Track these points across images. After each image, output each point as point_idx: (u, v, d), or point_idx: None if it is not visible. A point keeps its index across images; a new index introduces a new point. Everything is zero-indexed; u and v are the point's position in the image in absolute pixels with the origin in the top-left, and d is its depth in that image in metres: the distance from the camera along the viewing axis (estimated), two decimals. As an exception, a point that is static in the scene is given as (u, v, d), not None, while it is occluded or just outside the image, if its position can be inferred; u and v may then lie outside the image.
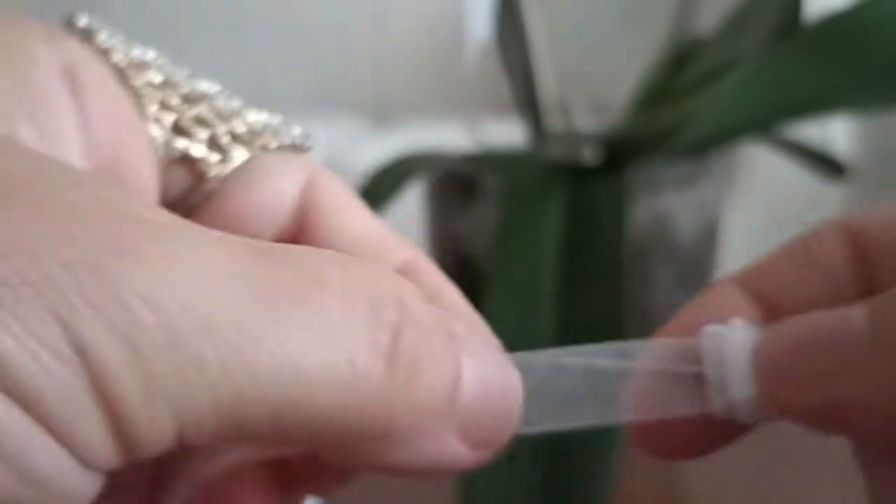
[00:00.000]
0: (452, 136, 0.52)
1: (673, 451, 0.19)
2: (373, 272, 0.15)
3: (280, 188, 0.19)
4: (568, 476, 0.36)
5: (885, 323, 0.15)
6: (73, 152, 0.17)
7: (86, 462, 0.12)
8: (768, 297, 0.18)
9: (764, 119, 0.43)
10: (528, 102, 0.51)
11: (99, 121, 0.17)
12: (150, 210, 0.14)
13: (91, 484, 0.13)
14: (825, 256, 0.18)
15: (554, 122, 0.50)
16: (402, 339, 0.15)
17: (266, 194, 0.19)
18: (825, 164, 0.46)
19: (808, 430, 0.16)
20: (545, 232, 0.40)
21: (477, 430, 0.16)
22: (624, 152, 0.45)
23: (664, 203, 0.44)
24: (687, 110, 0.45)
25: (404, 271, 0.19)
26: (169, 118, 0.19)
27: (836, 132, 0.64)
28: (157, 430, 0.13)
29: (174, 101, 0.19)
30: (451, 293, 0.20)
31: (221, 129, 0.19)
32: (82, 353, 0.12)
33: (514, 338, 0.42)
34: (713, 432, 0.18)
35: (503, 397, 0.16)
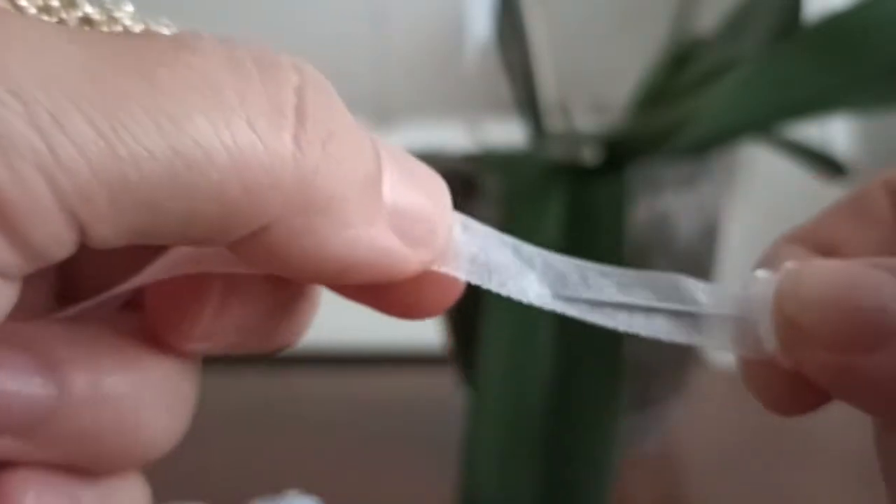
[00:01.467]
0: (452, 136, 0.52)
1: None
2: (254, 46, 0.14)
3: None
4: (568, 476, 0.36)
5: None
6: None
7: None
8: (829, 251, 0.18)
9: (764, 119, 0.43)
10: (528, 102, 0.51)
11: None
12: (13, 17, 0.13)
13: (9, 289, 0.13)
14: (878, 208, 0.18)
15: (554, 122, 0.50)
16: (306, 99, 0.14)
17: None
18: (825, 164, 0.46)
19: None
20: (545, 232, 0.40)
21: (408, 225, 0.15)
22: (624, 152, 0.45)
23: (664, 203, 0.44)
24: (687, 110, 0.45)
25: None
26: (52, 21, 0.16)
27: (836, 132, 0.64)
28: (38, 206, 0.12)
29: (55, 3, 0.17)
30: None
31: (112, 29, 0.17)
32: None
33: (514, 338, 0.42)
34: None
35: (431, 196, 0.16)
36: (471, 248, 0.17)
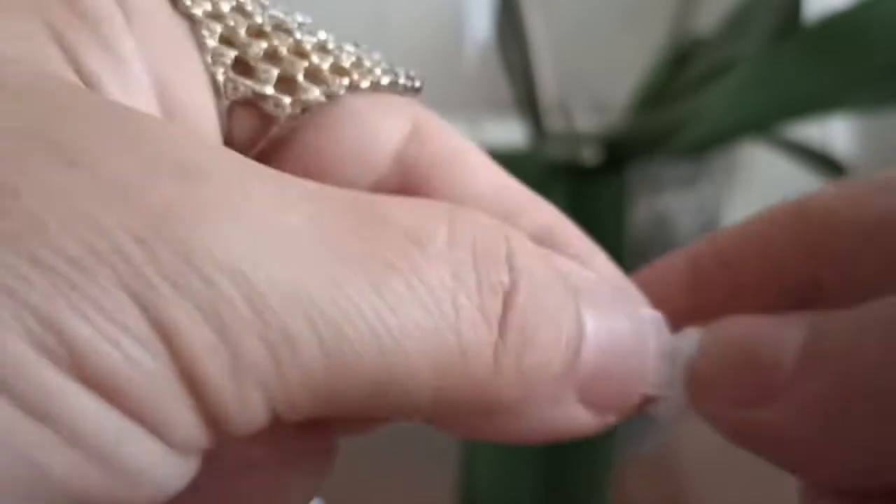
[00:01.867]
0: (452, 136, 0.52)
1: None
2: (479, 223, 0.13)
3: (374, 135, 0.16)
4: (568, 476, 0.36)
5: (816, 351, 0.14)
6: (144, 86, 0.14)
7: (177, 448, 0.11)
8: (708, 282, 0.17)
9: (764, 119, 0.43)
10: (528, 102, 0.51)
11: (151, 50, 0.14)
12: (230, 162, 0.12)
13: (185, 467, 0.12)
14: (772, 239, 0.17)
15: (554, 122, 0.50)
16: (514, 305, 0.13)
17: (356, 143, 0.16)
18: (825, 164, 0.46)
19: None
20: (545, 232, 0.40)
21: (601, 394, 0.14)
22: (624, 152, 0.45)
23: (664, 203, 0.44)
24: (687, 110, 0.45)
25: (541, 237, 0.17)
26: (232, 54, 0.15)
27: (836, 132, 0.64)
28: (248, 411, 0.11)
29: (241, 32, 0.15)
30: (600, 260, 0.18)
31: (297, 66, 0.16)
32: (165, 335, 0.11)
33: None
34: None
35: (629, 355, 0.15)
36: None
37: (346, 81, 0.16)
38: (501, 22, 0.52)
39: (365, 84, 0.16)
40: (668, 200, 0.44)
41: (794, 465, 0.15)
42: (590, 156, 0.45)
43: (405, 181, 0.17)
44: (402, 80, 0.17)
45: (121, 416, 0.11)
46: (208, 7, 0.15)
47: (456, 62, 0.69)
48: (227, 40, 0.15)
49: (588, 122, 0.51)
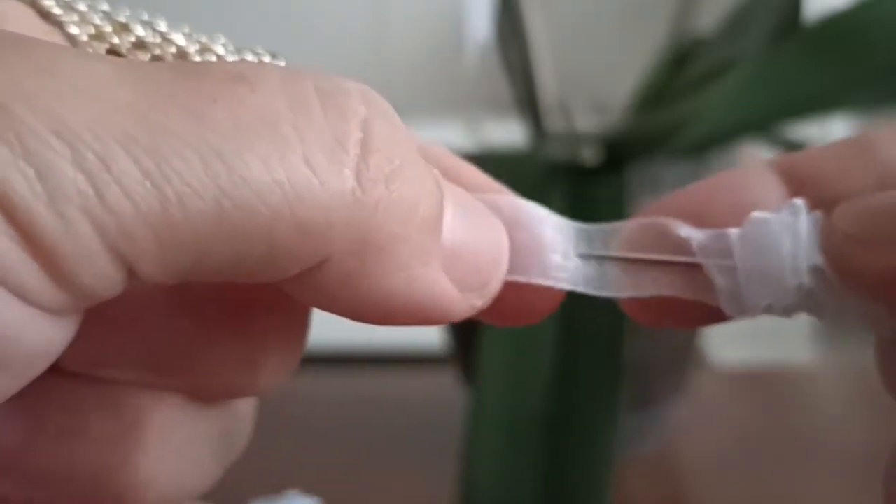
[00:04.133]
0: (452, 136, 0.52)
1: (668, 321, 0.18)
2: (320, 72, 0.14)
3: None
4: (568, 476, 0.36)
5: None
6: None
7: (29, 300, 0.12)
8: (811, 185, 0.17)
9: (764, 119, 0.43)
10: (528, 102, 0.51)
11: None
12: (41, 40, 0.13)
13: (58, 329, 0.12)
14: (886, 147, 0.17)
15: (554, 122, 0.50)
16: (374, 131, 0.13)
17: None
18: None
19: (872, 301, 0.15)
20: (545, 232, 0.40)
21: (463, 270, 0.15)
22: (624, 152, 0.45)
23: (664, 203, 0.44)
24: (687, 110, 0.45)
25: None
26: (102, 46, 0.16)
27: (836, 132, 0.64)
28: (84, 249, 0.12)
29: (107, 29, 0.16)
30: (467, 169, 0.18)
31: (165, 51, 0.16)
32: None
33: (514, 338, 0.42)
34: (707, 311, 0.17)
35: (488, 241, 0.15)
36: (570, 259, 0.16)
37: (213, 59, 0.17)
38: (501, 22, 0.52)
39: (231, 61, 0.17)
40: (668, 200, 0.44)
41: None
42: (590, 156, 0.45)
43: None
44: (266, 60, 0.17)
45: None
46: (76, 17, 0.16)
47: (456, 62, 0.69)
48: (96, 37, 0.16)
49: (588, 122, 0.51)
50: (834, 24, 0.41)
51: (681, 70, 0.51)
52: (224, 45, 0.17)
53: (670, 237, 0.17)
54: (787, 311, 0.16)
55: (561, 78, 0.50)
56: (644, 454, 0.49)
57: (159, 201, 0.12)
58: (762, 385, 0.56)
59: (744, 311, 0.16)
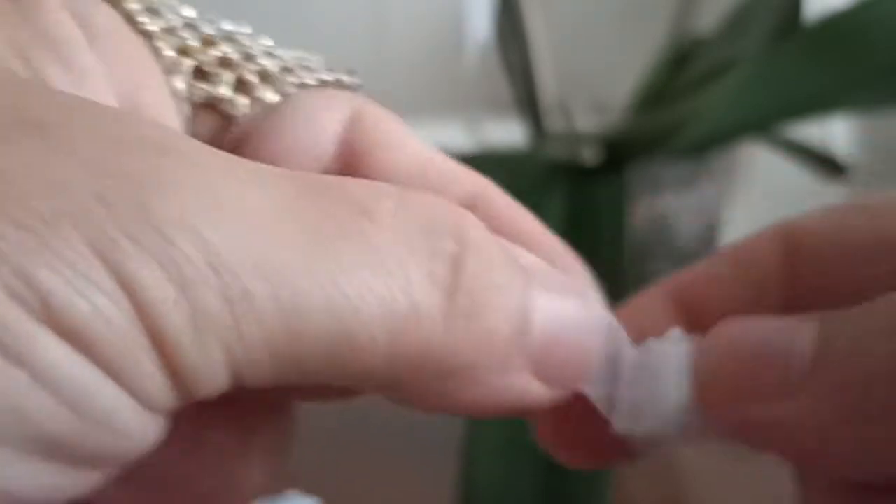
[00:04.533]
0: (452, 136, 0.52)
1: (577, 458, 0.18)
2: (427, 201, 0.14)
3: (319, 126, 0.18)
4: (568, 477, 0.36)
5: (831, 346, 0.14)
6: (103, 94, 0.16)
7: (143, 402, 0.12)
8: (694, 305, 0.18)
9: (764, 119, 0.43)
10: (528, 102, 0.51)
11: (115, 64, 0.16)
12: (189, 143, 0.13)
13: (153, 425, 0.13)
14: (756, 263, 0.17)
15: (554, 122, 0.50)
16: (463, 270, 0.14)
17: (303, 134, 0.17)
18: (825, 163, 0.46)
19: (740, 446, 0.16)
20: (545, 232, 0.40)
21: (552, 367, 0.15)
22: (624, 152, 0.45)
23: (664, 203, 0.44)
24: (687, 110, 0.45)
25: (470, 203, 0.18)
26: (189, 63, 0.17)
27: (836, 132, 0.64)
28: (210, 369, 0.12)
29: (194, 44, 0.17)
30: (528, 222, 0.18)
31: (249, 69, 0.17)
32: (128, 288, 0.11)
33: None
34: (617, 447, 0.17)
35: (579, 332, 0.15)
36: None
37: (294, 80, 0.18)
38: (501, 22, 0.53)
39: (311, 82, 0.18)
40: (668, 200, 0.44)
41: (804, 456, 0.15)
42: (590, 156, 0.45)
43: (346, 164, 0.18)
44: (344, 78, 0.19)
45: (90, 364, 0.11)
46: (163, 24, 0.17)
47: (456, 62, 0.69)
48: (182, 51, 0.17)
49: (588, 122, 0.51)
50: (834, 24, 0.41)
51: (681, 70, 0.51)
52: (305, 67, 0.18)
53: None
54: (666, 440, 0.16)
55: (561, 78, 0.50)
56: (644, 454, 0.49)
57: (285, 333, 0.12)
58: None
59: (630, 429, 0.16)
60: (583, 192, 0.42)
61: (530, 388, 0.15)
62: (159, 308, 0.12)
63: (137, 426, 0.12)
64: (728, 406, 0.15)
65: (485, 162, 0.49)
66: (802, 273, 0.17)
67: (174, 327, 0.12)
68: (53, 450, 0.12)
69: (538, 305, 0.15)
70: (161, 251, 0.11)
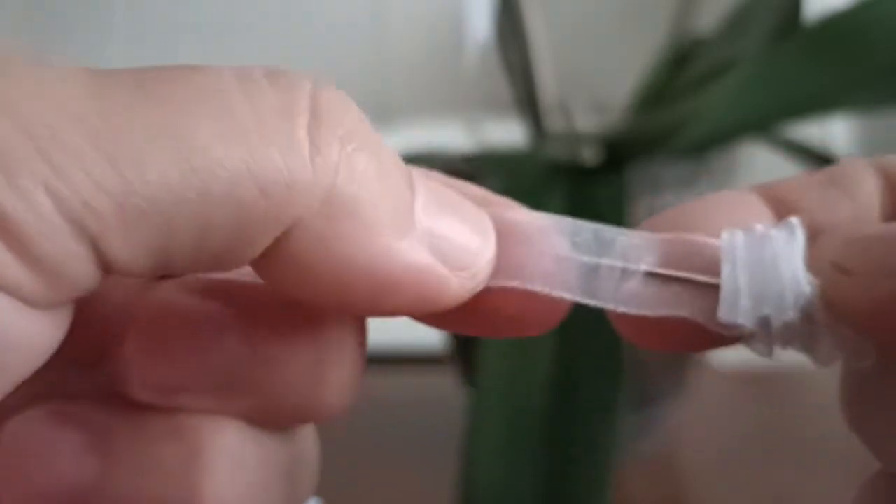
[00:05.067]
0: (452, 136, 0.52)
1: (663, 344, 0.17)
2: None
3: None
4: (568, 476, 0.36)
5: None
6: None
7: (18, 296, 0.12)
8: (788, 210, 0.17)
9: (764, 119, 0.43)
10: (528, 102, 0.51)
11: None
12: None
13: (46, 324, 0.13)
14: (859, 184, 0.17)
15: (554, 122, 0.50)
16: (322, 103, 0.14)
17: None
18: (825, 164, 0.46)
19: (861, 336, 0.15)
20: (545, 232, 0.40)
21: (446, 247, 0.15)
22: (624, 152, 0.45)
23: (664, 203, 0.44)
24: (687, 110, 0.45)
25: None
26: None
27: (836, 132, 0.64)
28: (62, 241, 0.12)
29: None
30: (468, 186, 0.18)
31: None
32: None
33: (514, 338, 0.42)
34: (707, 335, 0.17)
35: (468, 221, 0.15)
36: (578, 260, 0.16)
37: None
38: (501, 22, 0.52)
39: None
40: (668, 200, 0.44)
41: None
42: (590, 156, 0.45)
43: None
44: None
45: None
46: None
47: (456, 62, 0.69)
48: None
49: (588, 122, 0.51)
50: (834, 24, 0.41)
51: (681, 70, 0.51)
52: None
53: (700, 254, 0.16)
54: (778, 335, 0.16)
55: (561, 78, 0.50)
56: (644, 454, 0.50)
57: (113, 169, 0.12)
58: (762, 385, 0.56)
59: (738, 319, 0.16)
60: (583, 192, 0.42)
61: (429, 261, 0.15)
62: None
63: (31, 330, 0.12)
64: (862, 286, 0.15)
65: (485, 162, 0.49)
66: None
67: (18, 217, 0.12)
68: None
69: (420, 189, 0.15)
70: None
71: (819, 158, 0.46)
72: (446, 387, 0.52)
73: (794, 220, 0.16)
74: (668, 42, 0.53)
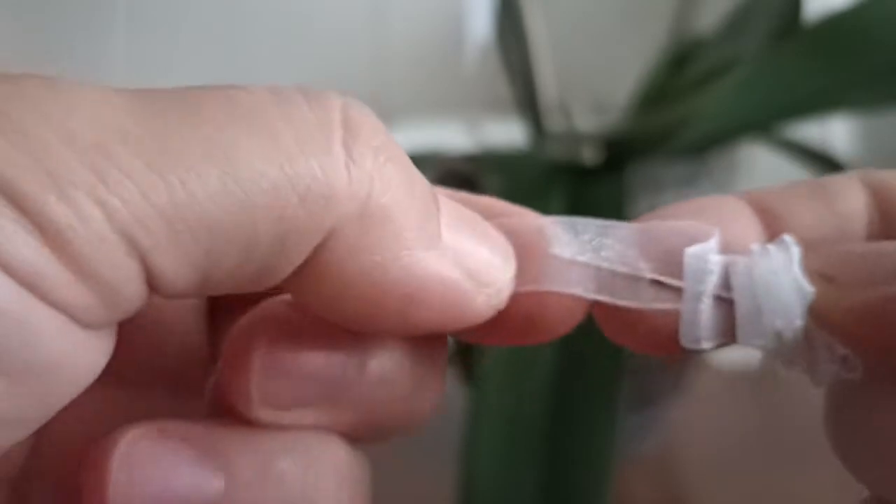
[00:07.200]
0: (452, 136, 0.52)
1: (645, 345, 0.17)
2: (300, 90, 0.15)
3: None
4: (568, 476, 0.36)
5: None
6: None
7: (79, 321, 0.12)
8: (775, 219, 0.17)
9: (764, 119, 0.43)
10: (528, 102, 0.51)
11: None
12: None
13: (95, 347, 0.13)
14: (844, 198, 0.17)
15: (554, 122, 0.50)
16: (354, 119, 0.14)
17: None
18: (825, 163, 0.46)
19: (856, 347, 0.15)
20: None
21: (471, 263, 0.15)
22: (624, 152, 0.45)
23: (664, 203, 0.44)
24: (687, 110, 0.45)
25: None
26: None
27: (836, 132, 0.64)
28: (111, 254, 0.12)
29: None
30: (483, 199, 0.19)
31: None
32: (18, 202, 0.12)
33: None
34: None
35: (490, 242, 0.16)
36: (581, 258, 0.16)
37: None
38: (501, 22, 0.52)
39: None
40: (668, 200, 0.44)
41: None
42: (590, 156, 0.45)
43: None
44: None
45: (24, 292, 0.12)
46: None
47: (456, 62, 0.69)
48: None
49: (588, 122, 0.51)
50: (834, 24, 0.41)
51: (681, 70, 0.51)
52: None
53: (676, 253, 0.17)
54: (786, 348, 0.16)
55: (561, 78, 0.50)
56: (644, 454, 0.49)
57: (161, 183, 0.12)
58: (762, 385, 0.56)
59: (757, 336, 0.16)
60: (583, 192, 0.42)
61: (455, 275, 0.15)
62: (18, 181, 0.12)
63: (81, 347, 0.13)
64: (847, 293, 0.15)
65: (485, 162, 0.49)
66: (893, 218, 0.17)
67: (38, 194, 0.12)
68: None
69: (444, 212, 0.15)
70: (38, 154, 0.12)
71: (819, 158, 0.46)
72: (446, 387, 0.52)
73: (787, 237, 0.16)
74: (668, 42, 0.53)
